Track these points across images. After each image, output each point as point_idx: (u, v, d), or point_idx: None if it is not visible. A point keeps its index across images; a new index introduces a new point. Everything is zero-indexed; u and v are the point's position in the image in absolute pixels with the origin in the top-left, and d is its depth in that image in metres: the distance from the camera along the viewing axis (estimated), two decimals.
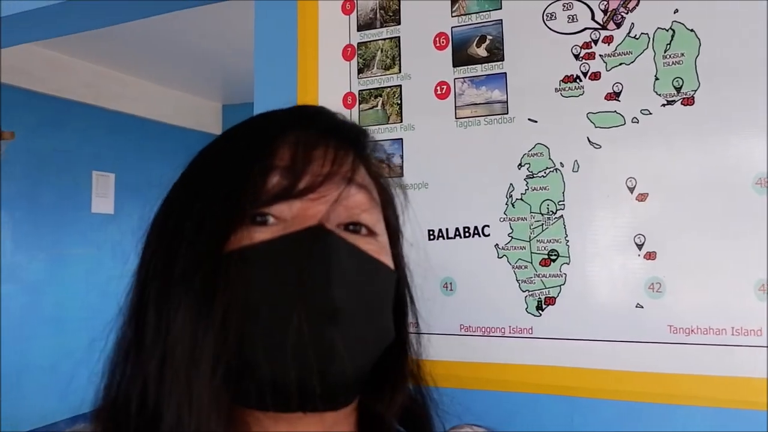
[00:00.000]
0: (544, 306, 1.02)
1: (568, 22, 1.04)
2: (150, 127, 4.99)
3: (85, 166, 4.44)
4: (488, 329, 1.05)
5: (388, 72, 1.16)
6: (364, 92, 1.18)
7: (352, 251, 0.46)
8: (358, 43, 1.19)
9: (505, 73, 1.07)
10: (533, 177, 1.04)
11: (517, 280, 1.04)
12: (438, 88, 1.12)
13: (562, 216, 1.02)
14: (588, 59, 1.02)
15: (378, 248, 0.49)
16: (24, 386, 3.98)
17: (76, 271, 4.34)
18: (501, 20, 1.08)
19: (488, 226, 1.06)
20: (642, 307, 0.96)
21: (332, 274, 0.43)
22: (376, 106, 1.16)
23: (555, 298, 1.01)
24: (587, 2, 1.03)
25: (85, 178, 4.45)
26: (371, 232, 0.49)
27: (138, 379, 0.45)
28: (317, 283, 0.43)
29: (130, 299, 0.49)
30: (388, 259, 0.50)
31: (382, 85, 1.16)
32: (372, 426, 0.52)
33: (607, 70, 1.01)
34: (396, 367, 0.54)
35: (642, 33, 0.99)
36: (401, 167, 1.11)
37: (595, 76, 1.01)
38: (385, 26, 1.17)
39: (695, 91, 0.95)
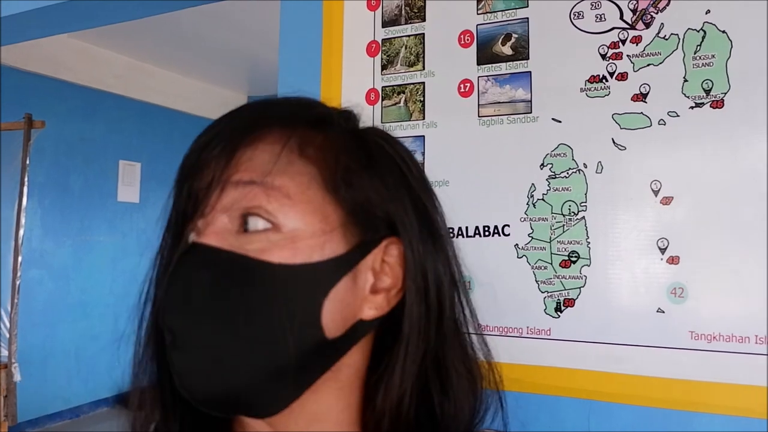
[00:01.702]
0: (563, 308, 1.01)
1: (596, 21, 1.02)
2: (176, 118, 5.05)
3: (113, 156, 4.52)
4: (506, 329, 1.04)
5: (411, 69, 1.16)
6: (387, 89, 1.17)
7: (208, 259, 0.45)
8: (383, 40, 1.19)
9: (530, 71, 1.06)
10: (555, 177, 1.03)
11: (537, 281, 1.03)
12: (461, 85, 1.11)
13: (584, 217, 1.01)
14: (615, 59, 1.01)
15: (268, 244, 0.44)
16: (48, 370, 4.06)
17: (102, 258, 4.42)
18: (527, 18, 1.07)
19: (508, 225, 1.05)
20: (663, 312, 0.95)
21: (174, 299, 0.45)
22: (399, 102, 1.16)
23: (574, 300, 1.00)
24: (616, 1, 1.01)
25: (112, 167, 4.52)
26: (273, 225, 0.45)
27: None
28: (166, 308, 0.45)
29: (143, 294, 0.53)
30: (285, 253, 0.44)
31: (405, 82, 1.16)
32: (380, 422, 0.49)
33: (635, 71, 0.99)
34: (401, 361, 0.48)
35: (672, 33, 0.97)
36: (423, 164, 1.10)
37: (622, 76, 1.00)
38: (410, 23, 1.17)
39: (725, 93, 0.93)
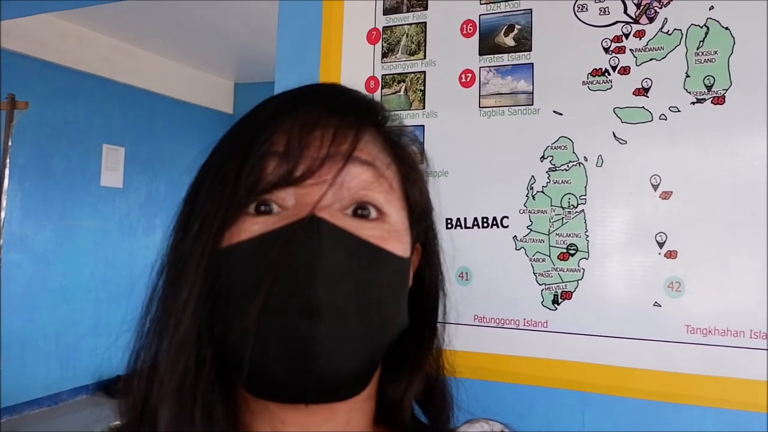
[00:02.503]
0: (560, 300, 1.01)
1: (600, 14, 1.02)
2: (161, 103, 4.98)
3: (96, 139, 4.44)
4: (503, 321, 1.04)
5: (412, 57, 1.15)
6: (387, 77, 1.16)
7: (343, 241, 0.43)
8: (384, 27, 1.18)
9: (532, 63, 1.06)
10: (556, 170, 1.03)
11: (534, 273, 1.03)
12: (463, 75, 1.11)
13: (583, 210, 1.01)
14: (618, 53, 1.01)
15: (385, 233, 0.46)
16: (27, 356, 4.01)
17: (84, 242, 4.36)
18: (530, 10, 1.07)
19: (507, 217, 1.05)
20: (660, 305, 0.96)
21: (316, 269, 0.41)
22: (399, 91, 1.15)
23: (572, 293, 1.01)
24: None
25: (96, 151, 4.45)
26: (380, 213, 0.46)
27: (147, 362, 0.46)
28: (301, 278, 0.41)
29: (154, 280, 0.49)
30: (397, 244, 0.47)
31: (405, 71, 1.15)
32: (391, 411, 0.51)
33: (637, 65, 0.99)
34: (415, 354, 0.52)
35: (675, 29, 0.97)
36: (422, 153, 1.10)
37: (625, 70, 1.00)
38: (412, 11, 1.16)
39: (726, 90, 0.94)
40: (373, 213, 0.45)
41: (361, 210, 0.45)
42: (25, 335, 3.99)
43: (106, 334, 4.48)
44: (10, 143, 2.93)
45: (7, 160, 2.92)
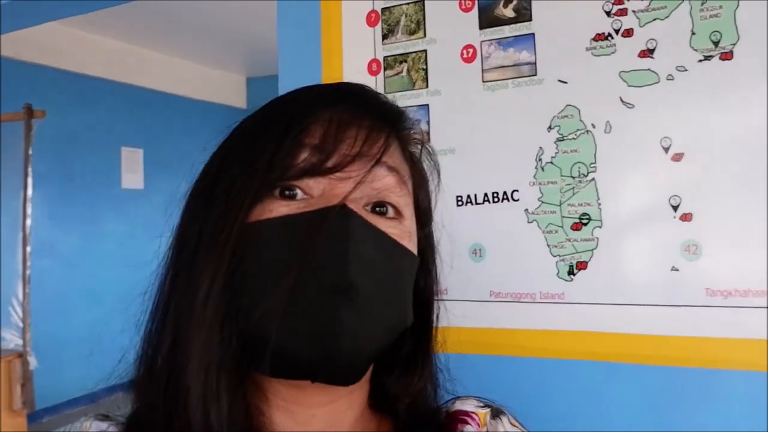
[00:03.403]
0: (575, 271, 1.00)
1: None
2: (175, 102, 5.03)
3: (114, 143, 4.51)
4: (519, 295, 1.04)
5: (412, 37, 1.14)
6: (389, 58, 1.16)
7: (371, 232, 0.46)
8: (382, 9, 1.17)
9: (533, 33, 1.04)
10: (563, 140, 1.01)
11: (548, 245, 1.02)
12: (464, 51, 1.09)
13: (593, 179, 0.99)
14: (620, 15, 0.98)
15: (401, 232, 0.49)
16: (64, 357, 4.10)
17: (109, 245, 4.44)
18: None
19: (517, 190, 1.04)
20: (678, 270, 0.94)
21: (349, 252, 0.43)
22: (402, 72, 1.14)
23: (587, 263, 1.00)
24: None
25: (115, 154, 4.51)
26: (398, 214, 0.49)
27: (167, 339, 0.47)
28: (334, 259, 0.43)
29: (166, 264, 0.51)
30: (410, 244, 0.50)
31: (407, 51, 1.14)
32: (385, 401, 0.54)
33: (641, 26, 0.97)
34: (415, 349, 0.55)
35: None
36: (428, 133, 1.09)
37: (628, 33, 0.98)
38: None
39: (734, 45, 0.92)
40: (391, 212, 0.49)
41: (379, 207, 0.48)
42: (60, 338, 4.09)
43: (138, 334, 4.58)
44: (30, 152, 2.98)
45: (29, 169, 2.97)
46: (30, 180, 2.96)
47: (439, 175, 0.59)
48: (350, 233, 0.44)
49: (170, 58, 4.98)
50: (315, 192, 0.46)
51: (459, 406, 0.58)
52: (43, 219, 3.95)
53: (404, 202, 0.50)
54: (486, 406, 0.59)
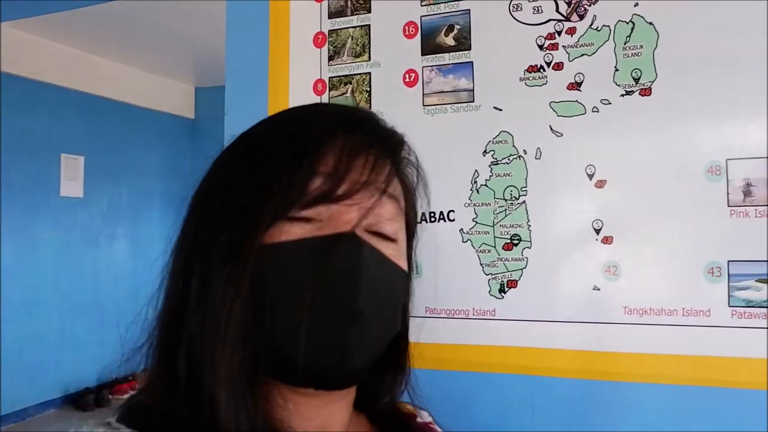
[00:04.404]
0: (506, 288, 1.05)
1: (533, 13, 1.07)
2: (121, 110, 4.93)
3: (54, 149, 4.38)
4: (453, 311, 1.08)
5: (358, 59, 1.18)
6: (334, 79, 1.19)
7: (377, 258, 0.51)
8: (329, 31, 1.21)
9: (472, 62, 1.10)
10: (497, 164, 1.07)
11: (481, 264, 1.07)
12: (406, 75, 1.14)
13: (524, 202, 1.05)
14: (551, 50, 1.05)
15: (397, 253, 0.55)
16: None
17: (45, 254, 4.29)
18: (469, 10, 1.11)
19: (453, 211, 1.09)
20: (599, 289, 1.01)
21: (361, 281, 0.49)
22: (346, 93, 1.18)
23: (517, 281, 1.05)
24: None
25: (54, 161, 4.38)
26: (393, 239, 0.54)
27: (184, 342, 0.50)
28: (347, 287, 0.49)
29: (176, 269, 0.53)
30: (404, 263, 0.56)
31: (351, 72, 1.18)
32: (364, 401, 0.62)
33: (570, 61, 1.04)
34: (398, 353, 0.62)
35: (603, 25, 1.02)
36: None
37: (558, 66, 1.05)
38: (356, 14, 1.19)
39: (653, 82, 0.99)
40: (389, 234, 0.54)
41: (377, 229, 0.53)
42: None
43: (72, 346, 4.42)
44: None
45: None
46: None
47: (427, 194, 0.65)
48: (360, 262, 0.49)
49: (118, 65, 4.89)
50: (324, 216, 0.50)
51: (425, 417, 0.68)
52: None
53: (399, 226, 0.55)
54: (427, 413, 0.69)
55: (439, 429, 0.71)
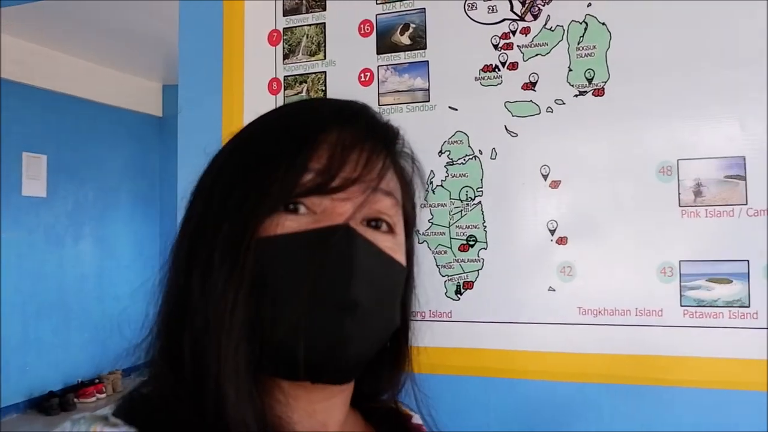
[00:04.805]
0: (462, 290, 1.05)
1: (488, 12, 1.06)
2: (86, 107, 4.82)
3: (15, 148, 4.26)
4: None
5: (313, 58, 1.16)
6: (289, 78, 1.17)
7: (372, 250, 0.51)
8: (284, 29, 1.18)
9: (428, 61, 1.09)
10: (453, 164, 1.06)
11: (437, 265, 1.06)
12: (362, 75, 1.12)
13: (480, 202, 1.04)
14: (506, 49, 1.04)
15: (394, 246, 0.54)
16: None
17: (7, 256, 4.18)
18: (424, 9, 1.09)
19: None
20: (554, 290, 1.00)
21: (354, 272, 0.49)
22: (301, 92, 1.16)
23: (473, 283, 1.04)
24: None
25: (15, 160, 4.27)
26: (391, 230, 0.54)
27: (188, 339, 0.50)
28: (341, 278, 0.48)
29: (177, 266, 0.53)
30: (401, 257, 0.56)
31: (307, 71, 1.16)
32: (362, 399, 0.62)
33: (524, 61, 1.03)
34: (397, 351, 0.62)
35: (557, 25, 1.02)
36: None
37: (513, 66, 1.04)
38: (311, 12, 1.17)
39: (605, 82, 0.99)
40: (384, 227, 0.54)
41: (374, 222, 0.53)
42: None
43: (36, 349, 4.32)
44: None
45: None
46: None
47: (423, 185, 0.64)
48: (354, 253, 0.49)
49: (83, 62, 4.78)
50: (318, 208, 0.50)
51: (417, 420, 0.68)
52: None
53: (396, 219, 0.55)
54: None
55: None
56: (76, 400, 4.36)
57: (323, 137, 0.52)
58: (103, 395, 4.52)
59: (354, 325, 0.49)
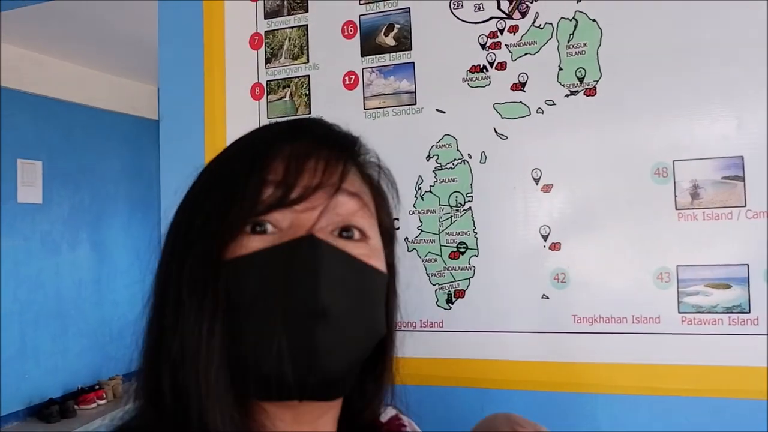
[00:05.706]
0: (454, 299, 1.01)
1: (475, 10, 1.02)
2: (79, 112, 4.79)
3: (10, 155, 4.23)
4: (400, 323, 1.03)
5: (296, 62, 1.12)
6: (272, 83, 1.14)
7: (339, 256, 0.50)
8: (266, 32, 1.15)
9: (413, 62, 1.05)
10: (442, 169, 1.03)
11: (428, 274, 1.03)
12: (346, 78, 1.09)
13: (470, 208, 1.01)
14: (494, 49, 1.01)
15: (368, 252, 0.52)
16: None
17: (4, 263, 4.15)
18: (408, 8, 1.06)
19: (397, 219, 1.04)
20: (548, 297, 0.97)
21: (320, 278, 0.47)
22: (285, 97, 1.13)
23: (464, 291, 1.01)
24: None
25: (10, 167, 4.24)
26: (364, 236, 0.53)
27: (167, 369, 0.49)
28: (306, 287, 0.47)
29: (154, 295, 0.53)
30: (378, 262, 0.54)
31: (290, 75, 1.13)
32: (350, 416, 0.59)
33: (513, 60, 1.00)
34: (381, 361, 0.59)
35: (546, 23, 0.98)
36: None
37: (501, 66, 1.00)
38: (293, 14, 1.13)
39: (597, 81, 0.96)
40: (357, 234, 0.52)
41: (345, 232, 0.51)
42: None
43: (35, 356, 4.30)
44: None
45: None
46: None
47: (397, 194, 0.63)
48: (318, 260, 0.48)
49: (76, 66, 4.74)
50: (284, 224, 0.49)
51: (388, 413, 0.66)
52: None
53: (368, 223, 0.53)
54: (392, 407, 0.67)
55: None
56: (76, 406, 4.34)
57: (275, 153, 0.51)
58: (104, 401, 4.50)
59: (327, 332, 0.47)
